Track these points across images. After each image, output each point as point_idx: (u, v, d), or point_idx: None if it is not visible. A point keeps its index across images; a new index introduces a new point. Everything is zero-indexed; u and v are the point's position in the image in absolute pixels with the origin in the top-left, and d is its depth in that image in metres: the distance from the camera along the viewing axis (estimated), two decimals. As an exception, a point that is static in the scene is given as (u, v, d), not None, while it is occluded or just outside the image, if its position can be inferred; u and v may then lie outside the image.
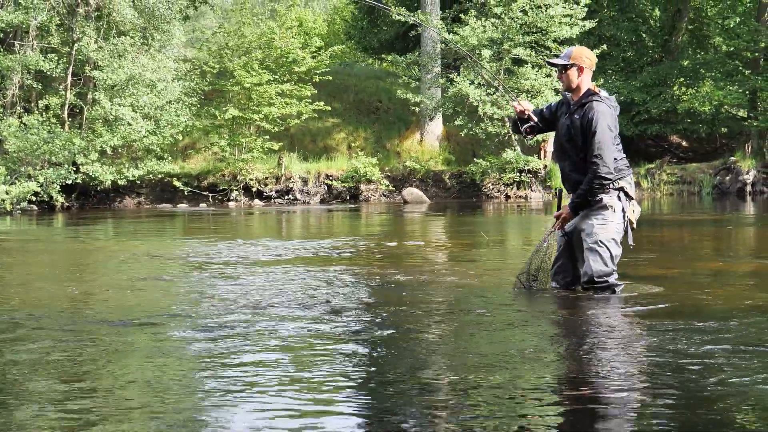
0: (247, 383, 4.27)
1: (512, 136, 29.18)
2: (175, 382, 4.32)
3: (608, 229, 6.73)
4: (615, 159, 6.72)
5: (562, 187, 7.23)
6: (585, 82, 6.90)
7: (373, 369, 4.64)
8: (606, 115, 6.71)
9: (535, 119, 7.13)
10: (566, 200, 7.04)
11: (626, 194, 6.80)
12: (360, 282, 8.14)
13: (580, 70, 6.87)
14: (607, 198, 6.73)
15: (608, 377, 4.37)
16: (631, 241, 6.92)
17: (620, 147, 6.87)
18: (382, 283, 8.00)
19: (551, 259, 7.16)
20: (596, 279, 6.73)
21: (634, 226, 6.91)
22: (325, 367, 4.63)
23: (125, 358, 4.92)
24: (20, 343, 5.39)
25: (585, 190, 6.68)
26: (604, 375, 4.42)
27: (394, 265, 9.58)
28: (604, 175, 6.63)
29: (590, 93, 6.83)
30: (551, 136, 24.32)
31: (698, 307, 6.38)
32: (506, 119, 28.76)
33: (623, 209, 6.77)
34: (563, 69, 6.92)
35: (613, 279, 6.77)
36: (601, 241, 6.70)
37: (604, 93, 6.88)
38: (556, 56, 7.34)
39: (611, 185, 6.71)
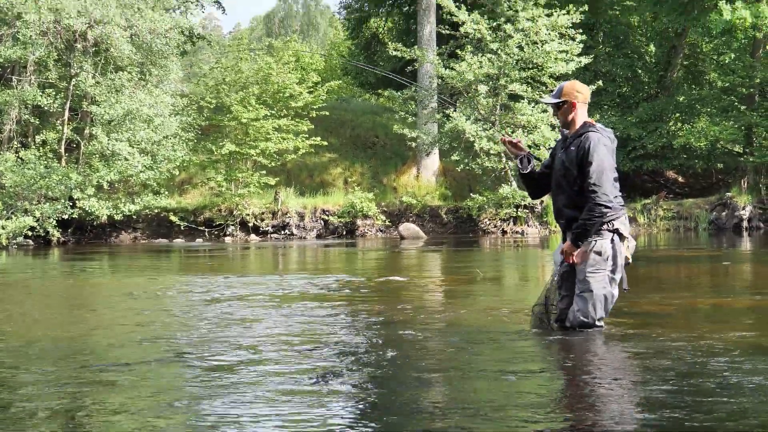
0: (239, 421, 4.24)
1: (509, 171, 29.22)
2: (171, 418, 4.28)
3: (599, 278, 6.65)
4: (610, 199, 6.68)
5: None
6: (580, 116, 6.85)
7: (361, 412, 4.60)
8: (602, 144, 6.65)
9: (527, 151, 7.12)
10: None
11: (620, 235, 6.71)
12: (348, 319, 8.10)
13: (572, 105, 6.82)
14: (600, 242, 6.65)
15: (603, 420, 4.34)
16: (625, 285, 6.85)
17: (617, 185, 6.75)
18: (372, 321, 7.96)
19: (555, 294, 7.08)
20: (578, 329, 6.73)
21: (630, 261, 6.86)
22: (308, 409, 4.59)
23: (121, 393, 4.88)
24: (14, 380, 5.35)
25: (585, 219, 6.57)
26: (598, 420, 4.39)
27: (383, 302, 9.54)
28: (603, 203, 6.53)
29: (586, 125, 6.79)
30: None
31: (695, 345, 6.34)
32: (502, 154, 28.80)
33: (616, 254, 6.68)
34: (556, 107, 6.91)
35: (594, 329, 6.74)
36: (590, 291, 6.65)
37: (599, 126, 6.84)
38: (551, 92, 7.27)
39: (607, 225, 6.65)
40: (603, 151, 6.62)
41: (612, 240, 6.66)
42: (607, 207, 6.56)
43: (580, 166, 6.65)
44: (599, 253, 6.64)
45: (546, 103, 7.01)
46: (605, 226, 6.64)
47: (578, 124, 6.85)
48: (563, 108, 6.86)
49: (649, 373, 5.36)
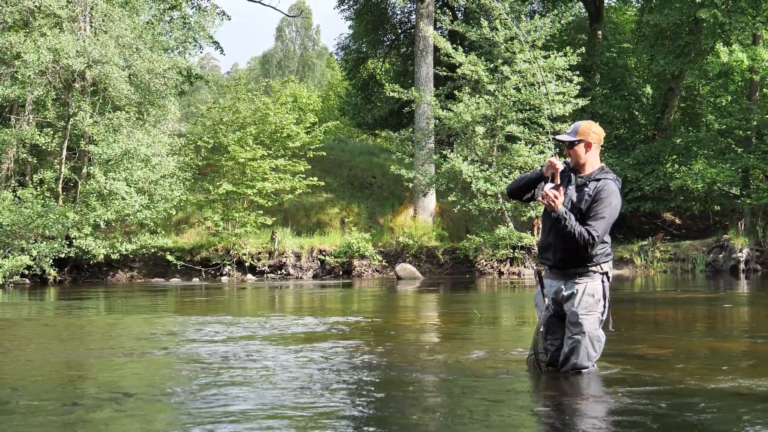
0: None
1: (506, 212, 29.22)
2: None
3: (591, 320, 6.65)
4: (604, 242, 6.70)
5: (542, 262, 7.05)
6: (592, 157, 6.81)
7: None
8: (617, 197, 6.66)
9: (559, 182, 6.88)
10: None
11: (608, 278, 6.76)
12: (340, 361, 8.06)
13: (588, 146, 6.78)
14: (592, 284, 6.67)
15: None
16: (611, 327, 6.85)
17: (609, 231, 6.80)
18: (367, 363, 7.91)
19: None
20: (571, 371, 6.71)
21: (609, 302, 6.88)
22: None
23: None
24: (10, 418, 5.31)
25: (572, 227, 6.47)
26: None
27: (374, 343, 9.50)
28: (590, 245, 6.48)
29: (603, 170, 6.78)
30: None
31: (691, 390, 6.30)
32: (499, 195, 28.82)
33: (605, 295, 6.71)
34: (570, 145, 6.83)
35: (591, 369, 6.73)
36: (584, 332, 6.63)
37: (612, 175, 6.82)
38: (557, 132, 7.26)
39: (598, 268, 6.66)
40: (616, 204, 6.64)
41: (602, 282, 6.67)
42: (588, 247, 6.52)
43: (589, 208, 6.62)
44: (592, 295, 6.64)
45: (561, 141, 6.91)
46: (597, 269, 6.65)
47: (591, 165, 6.82)
48: (577, 147, 6.79)
49: (642, 416, 5.32)
